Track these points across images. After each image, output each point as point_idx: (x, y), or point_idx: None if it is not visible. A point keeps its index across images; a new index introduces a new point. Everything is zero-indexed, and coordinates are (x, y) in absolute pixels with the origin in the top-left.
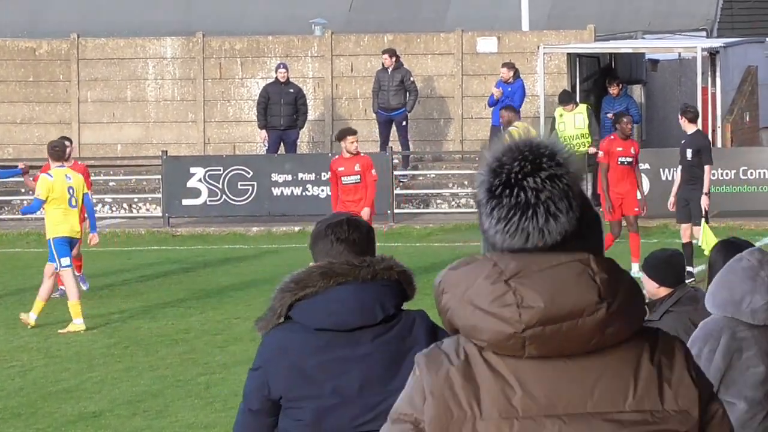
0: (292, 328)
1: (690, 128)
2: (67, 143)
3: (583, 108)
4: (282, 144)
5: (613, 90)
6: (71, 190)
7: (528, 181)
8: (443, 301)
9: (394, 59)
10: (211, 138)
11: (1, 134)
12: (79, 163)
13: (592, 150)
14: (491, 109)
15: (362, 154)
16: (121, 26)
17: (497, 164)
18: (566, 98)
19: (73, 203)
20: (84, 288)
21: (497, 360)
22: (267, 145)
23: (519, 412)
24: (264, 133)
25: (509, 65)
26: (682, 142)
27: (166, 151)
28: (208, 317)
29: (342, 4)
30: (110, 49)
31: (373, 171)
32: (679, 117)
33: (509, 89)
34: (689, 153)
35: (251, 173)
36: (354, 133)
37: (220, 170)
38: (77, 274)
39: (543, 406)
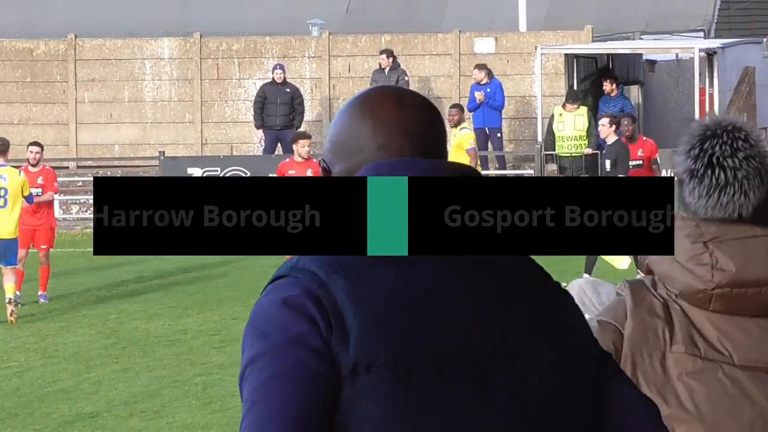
0: None
1: (611, 137)
2: (36, 149)
3: (584, 110)
4: (279, 144)
5: (607, 87)
6: (2, 191)
7: (727, 161)
8: None
9: (390, 59)
10: (209, 138)
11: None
12: (47, 167)
13: (589, 151)
14: (471, 113)
15: (315, 160)
16: (119, 27)
17: (699, 150)
18: (574, 97)
19: (1, 204)
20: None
21: (688, 306)
22: (264, 145)
23: (701, 352)
24: (261, 133)
25: (480, 66)
26: (603, 152)
27: (164, 152)
28: (206, 318)
29: (339, 4)
30: (107, 49)
31: None
32: (602, 125)
33: (488, 90)
34: (608, 164)
35: (249, 174)
36: (308, 137)
37: (217, 171)
38: (42, 292)
39: (721, 353)
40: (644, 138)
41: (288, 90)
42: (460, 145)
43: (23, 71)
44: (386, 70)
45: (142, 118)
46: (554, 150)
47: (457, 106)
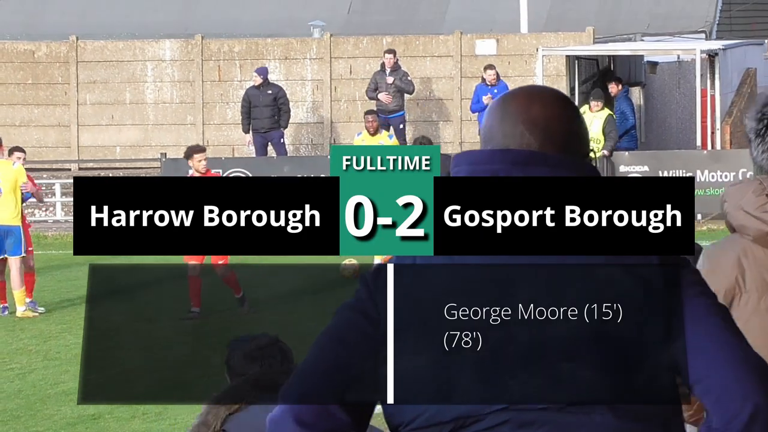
0: None
1: None
2: (20, 154)
3: (604, 114)
4: (270, 146)
5: (613, 89)
6: None
7: None
8: (725, 207)
9: (395, 59)
10: (210, 140)
11: (0, 136)
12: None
13: (605, 152)
14: (476, 114)
15: (213, 171)
16: (120, 28)
17: (761, 114)
18: (598, 96)
19: None
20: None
21: (761, 250)
22: (252, 147)
23: None
24: (249, 136)
25: (490, 67)
26: None
27: (165, 154)
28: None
29: (341, 6)
30: (109, 51)
31: None
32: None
33: (495, 92)
34: None
35: (250, 175)
36: (202, 150)
37: (219, 172)
38: (29, 299)
39: None
40: None
41: (270, 92)
42: None
43: (25, 73)
44: (387, 71)
45: (144, 119)
46: None
47: (374, 112)
